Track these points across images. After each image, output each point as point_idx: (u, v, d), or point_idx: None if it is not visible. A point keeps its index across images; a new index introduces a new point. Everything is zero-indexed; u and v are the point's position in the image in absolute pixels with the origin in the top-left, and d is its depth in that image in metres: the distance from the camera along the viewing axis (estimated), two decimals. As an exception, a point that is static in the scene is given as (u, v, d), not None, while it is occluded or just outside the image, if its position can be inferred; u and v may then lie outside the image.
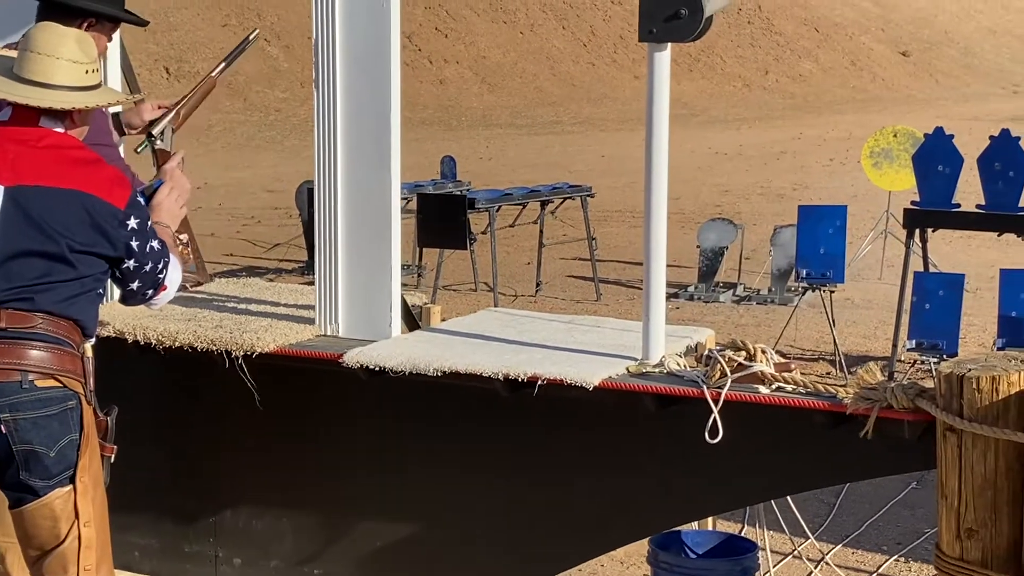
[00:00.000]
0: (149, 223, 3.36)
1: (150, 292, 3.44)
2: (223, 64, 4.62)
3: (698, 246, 10.85)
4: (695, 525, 4.08)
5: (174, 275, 3.48)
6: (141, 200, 3.37)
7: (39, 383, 3.18)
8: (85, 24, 3.84)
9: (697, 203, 15.34)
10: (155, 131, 4.39)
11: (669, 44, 3.69)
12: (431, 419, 3.99)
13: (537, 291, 10.70)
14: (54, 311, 3.22)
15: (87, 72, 3.32)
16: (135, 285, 3.39)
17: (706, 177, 18.42)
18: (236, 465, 4.30)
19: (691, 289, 10.62)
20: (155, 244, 3.37)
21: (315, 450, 4.17)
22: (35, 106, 3.26)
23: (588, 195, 10.84)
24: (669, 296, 10.62)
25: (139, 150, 4.42)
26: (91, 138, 3.53)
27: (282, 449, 4.20)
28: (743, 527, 5.15)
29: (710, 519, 4.19)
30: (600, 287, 10.67)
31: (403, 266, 10.53)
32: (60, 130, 3.31)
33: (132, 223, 3.28)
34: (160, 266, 3.40)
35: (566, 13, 34.47)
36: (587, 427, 3.79)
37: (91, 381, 3.35)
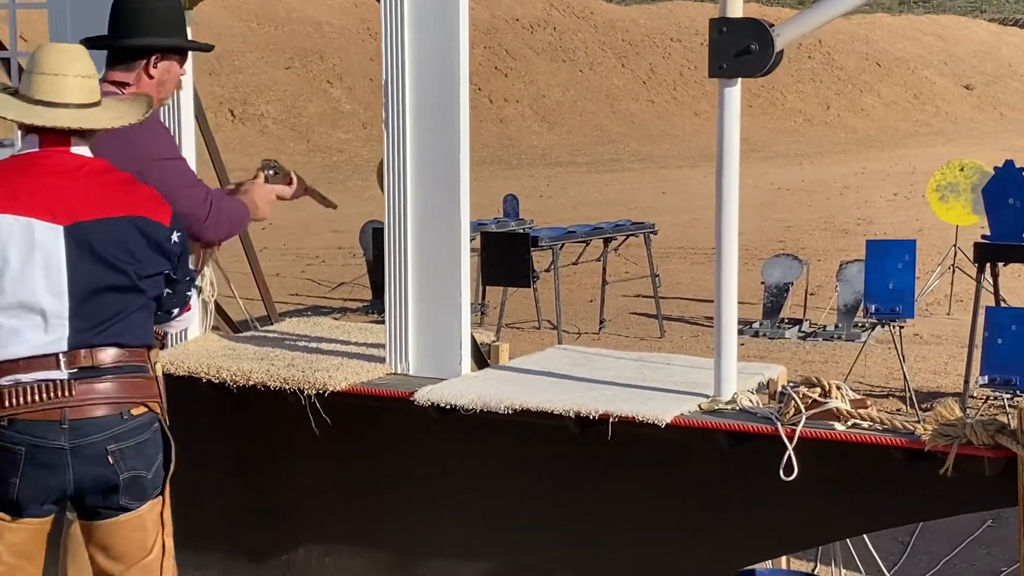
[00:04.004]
0: (187, 241, 3.45)
1: (176, 310, 3.48)
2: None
3: (763, 282, 10.78)
4: (769, 564, 4.03)
5: (194, 298, 3.61)
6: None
7: (134, 412, 3.29)
8: (153, 60, 3.86)
9: (760, 239, 15.26)
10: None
11: (739, 80, 3.69)
12: (502, 457, 3.98)
13: (601, 328, 10.67)
14: (133, 343, 3.29)
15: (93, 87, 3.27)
16: (168, 301, 3.43)
17: (768, 213, 18.33)
18: (308, 503, 4.31)
19: (756, 325, 10.55)
20: (189, 262, 3.48)
21: (386, 488, 4.18)
22: (63, 128, 3.21)
23: (651, 232, 10.83)
24: (734, 333, 10.61)
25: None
26: (154, 152, 3.60)
27: (353, 487, 4.21)
28: (816, 565, 5.09)
29: (783, 557, 4.14)
30: (664, 324, 10.63)
31: (467, 304, 10.60)
32: (90, 154, 3.30)
33: (175, 237, 3.34)
34: (190, 285, 3.50)
35: (626, 51, 34.54)
36: (659, 465, 3.77)
37: (164, 395, 3.45)
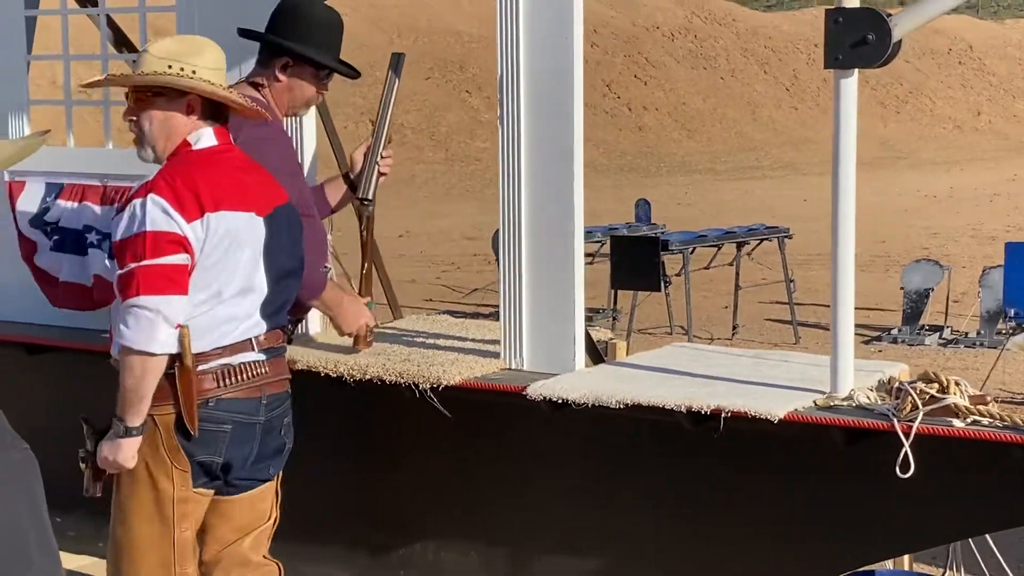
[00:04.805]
0: None
1: None
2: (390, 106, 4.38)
3: (902, 288, 10.56)
4: (890, 565, 3.94)
5: None
6: None
7: (289, 388, 3.58)
8: (281, 65, 3.87)
9: (905, 246, 14.94)
10: (364, 194, 4.21)
11: (856, 71, 3.62)
12: (614, 452, 3.96)
13: (734, 334, 10.56)
14: (284, 323, 3.57)
15: (171, 67, 3.26)
16: None
17: (914, 220, 17.93)
18: (423, 497, 4.35)
19: (895, 332, 10.34)
20: None
21: (499, 483, 4.19)
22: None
23: (785, 236, 10.68)
24: (872, 339, 10.40)
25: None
26: (279, 166, 3.65)
27: (467, 482, 4.23)
28: (945, 571, 4.96)
29: (906, 559, 4.04)
30: (799, 330, 10.47)
31: (598, 310, 10.57)
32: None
33: None
34: None
35: (768, 58, 34.15)
36: (773, 461, 3.71)
37: None
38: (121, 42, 5.31)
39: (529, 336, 4.16)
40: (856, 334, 11.34)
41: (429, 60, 26.21)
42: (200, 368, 3.25)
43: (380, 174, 4.18)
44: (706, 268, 11.27)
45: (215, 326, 3.28)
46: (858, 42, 3.58)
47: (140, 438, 3.23)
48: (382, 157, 4.18)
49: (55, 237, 4.76)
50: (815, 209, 18.82)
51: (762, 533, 3.75)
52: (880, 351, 9.78)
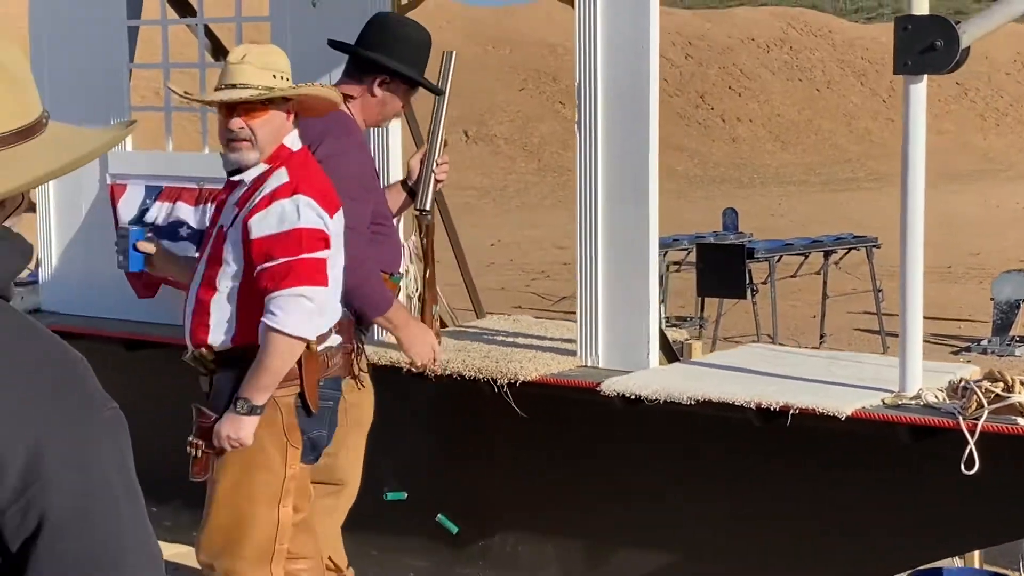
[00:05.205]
0: None
1: None
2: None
3: (992, 298, 10.47)
4: (959, 561, 3.99)
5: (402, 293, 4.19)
6: None
7: None
8: (378, 81, 3.93)
9: (1001, 258, 14.76)
10: (422, 205, 4.20)
11: (924, 77, 3.70)
12: (685, 448, 4.07)
13: (821, 343, 10.54)
14: None
15: (275, 77, 3.44)
16: None
17: (1011, 232, 17.66)
18: (501, 490, 4.48)
19: (984, 343, 10.25)
20: None
21: (575, 477, 4.31)
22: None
23: (873, 246, 10.64)
24: (961, 350, 10.33)
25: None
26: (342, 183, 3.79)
27: (542, 475, 4.36)
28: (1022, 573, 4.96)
29: (976, 556, 4.08)
30: (888, 340, 10.42)
31: (685, 318, 10.63)
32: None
33: None
34: None
35: (865, 69, 33.84)
36: (840, 458, 3.79)
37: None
38: (218, 50, 5.53)
39: (604, 334, 4.27)
40: (945, 344, 11.19)
41: (523, 71, 26.42)
42: (317, 349, 3.50)
43: (436, 181, 4.17)
44: (792, 276, 11.26)
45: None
46: (927, 48, 3.65)
47: (259, 417, 3.40)
48: (438, 164, 4.16)
49: (149, 235, 4.97)
50: (909, 221, 18.58)
51: (829, 528, 3.83)
52: (968, 361, 9.72)
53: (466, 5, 28.74)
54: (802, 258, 10.91)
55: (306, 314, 3.32)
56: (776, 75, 31.74)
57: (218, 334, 3.43)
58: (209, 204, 4.61)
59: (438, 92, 4.12)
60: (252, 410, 3.37)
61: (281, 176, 3.41)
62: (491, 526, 4.51)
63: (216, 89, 3.48)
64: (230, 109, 3.43)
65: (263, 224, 3.34)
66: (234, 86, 3.41)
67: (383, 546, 4.63)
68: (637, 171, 4.17)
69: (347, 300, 3.62)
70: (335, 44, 4.05)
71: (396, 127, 4.76)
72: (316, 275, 3.33)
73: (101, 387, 1.54)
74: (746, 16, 34.24)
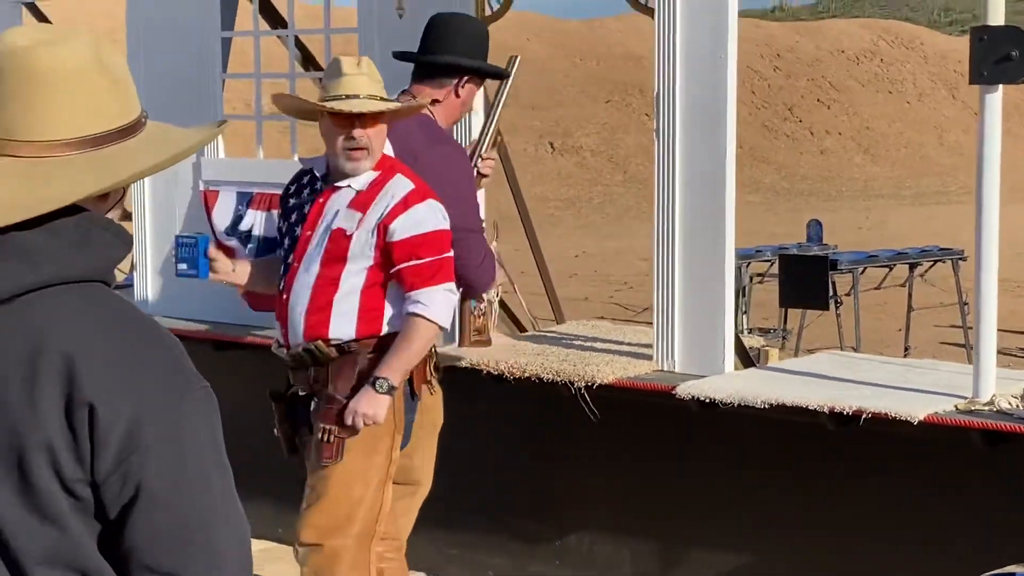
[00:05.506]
0: None
1: None
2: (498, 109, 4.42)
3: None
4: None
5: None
6: None
7: None
8: (463, 80, 4.02)
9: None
10: None
11: (1000, 87, 3.73)
12: (759, 451, 4.12)
13: (906, 356, 10.48)
14: None
15: (382, 88, 3.65)
16: None
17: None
18: (577, 491, 4.56)
19: (1072, 357, 10.13)
20: None
21: (650, 479, 4.38)
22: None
23: (959, 258, 10.56)
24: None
25: None
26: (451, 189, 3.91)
27: (618, 477, 4.44)
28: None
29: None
30: (973, 354, 10.34)
31: (769, 330, 10.62)
32: None
33: None
34: None
35: (958, 83, 33.39)
36: (913, 462, 3.82)
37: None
38: (308, 60, 5.69)
39: (681, 339, 4.34)
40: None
41: (609, 84, 26.47)
42: None
43: (480, 175, 4.24)
44: (876, 289, 11.20)
45: None
46: (1002, 59, 3.69)
47: (388, 403, 3.58)
48: (482, 159, 4.25)
49: (250, 245, 5.12)
50: (1000, 235, 18.38)
51: (904, 534, 3.86)
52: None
53: (554, 18, 28.86)
54: (886, 270, 10.85)
55: (448, 306, 3.66)
56: (866, 87, 31.47)
57: (341, 328, 3.62)
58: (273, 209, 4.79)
59: (505, 75, 4.25)
60: (390, 390, 3.57)
61: (404, 182, 3.63)
62: (567, 526, 4.60)
63: (331, 99, 3.58)
64: (349, 120, 3.57)
65: (405, 227, 3.58)
66: (357, 96, 3.55)
67: (462, 544, 4.74)
68: (714, 178, 4.24)
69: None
70: (402, 55, 4.14)
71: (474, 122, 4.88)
72: (452, 273, 3.65)
73: (194, 368, 1.66)
74: (837, 28, 34.00)
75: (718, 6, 4.19)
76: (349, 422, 3.56)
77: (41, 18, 6.36)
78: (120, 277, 8.80)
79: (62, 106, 1.60)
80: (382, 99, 3.59)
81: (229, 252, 5.17)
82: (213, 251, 3.82)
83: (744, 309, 10.25)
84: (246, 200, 5.25)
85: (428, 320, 3.58)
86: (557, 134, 24.40)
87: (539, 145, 23.37)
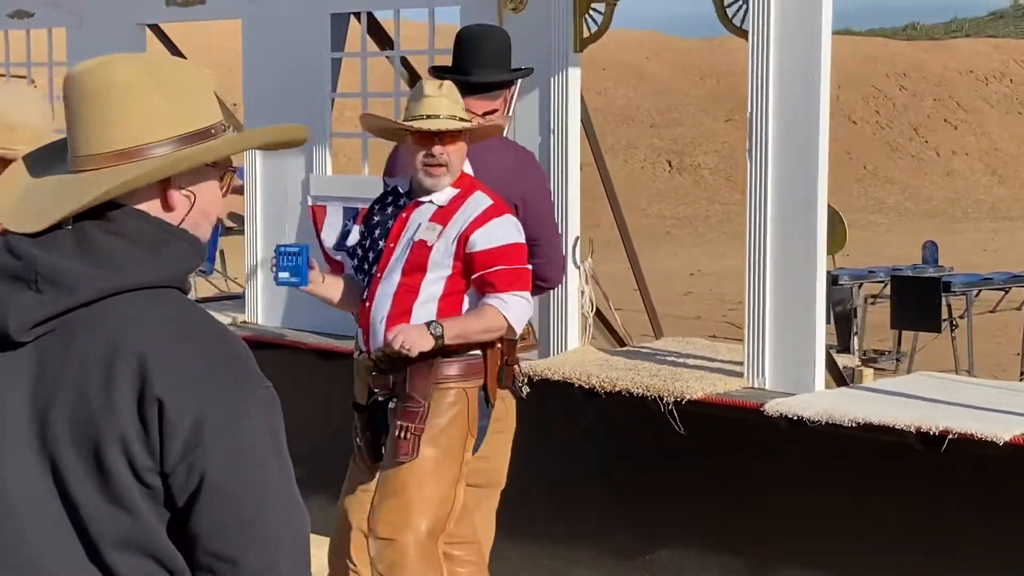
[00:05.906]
0: None
1: None
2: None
3: None
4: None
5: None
6: None
7: None
8: (513, 91, 4.28)
9: None
10: None
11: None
12: (845, 469, 4.13)
13: (1021, 379, 10.29)
14: None
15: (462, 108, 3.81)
16: None
17: None
18: (667, 505, 4.61)
19: None
20: None
21: (737, 493, 4.41)
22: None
23: (1080, 282, 10.34)
24: None
25: None
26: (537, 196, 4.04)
27: (708, 491, 4.47)
28: None
29: None
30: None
31: (883, 352, 10.50)
32: None
33: None
34: None
35: (1092, 102, 32.56)
36: (999, 484, 3.80)
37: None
38: (414, 80, 5.83)
39: (772, 356, 4.37)
40: None
41: (729, 103, 26.33)
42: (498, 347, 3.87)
43: None
44: (991, 312, 11.01)
45: None
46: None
47: (431, 347, 3.69)
48: None
49: (354, 261, 5.28)
50: None
51: (989, 556, 3.84)
52: None
53: (675, 37, 28.84)
54: (1002, 293, 10.66)
55: (524, 312, 3.79)
56: (995, 108, 30.84)
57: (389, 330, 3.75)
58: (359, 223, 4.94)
59: (528, 74, 4.46)
60: (439, 337, 3.69)
61: (483, 198, 3.79)
62: (658, 540, 4.64)
63: (414, 118, 3.74)
64: (430, 138, 3.73)
65: (486, 239, 3.73)
66: (438, 116, 3.71)
67: (554, 555, 4.81)
68: (806, 197, 4.27)
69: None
70: (440, 70, 4.25)
71: (576, 135, 4.97)
72: (530, 284, 3.81)
73: (259, 369, 1.77)
74: (966, 48, 33.39)
75: (811, 27, 4.23)
76: (391, 338, 3.69)
77: (165, 40, 6.61)
78: (236, 289, 9.04)
79: (113, 120, 1.73)
80: (461, 119, 3.71)
81: (337, 267, 5.36)
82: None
83: (856, 330, 10.15)
84: (352, 216, 5.41)
85: (502, 314, 3.72)
86: (675, 152, 24.37)
87: (656, 163, 23.38)
